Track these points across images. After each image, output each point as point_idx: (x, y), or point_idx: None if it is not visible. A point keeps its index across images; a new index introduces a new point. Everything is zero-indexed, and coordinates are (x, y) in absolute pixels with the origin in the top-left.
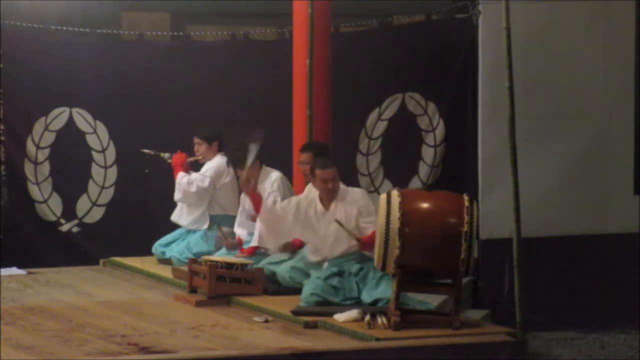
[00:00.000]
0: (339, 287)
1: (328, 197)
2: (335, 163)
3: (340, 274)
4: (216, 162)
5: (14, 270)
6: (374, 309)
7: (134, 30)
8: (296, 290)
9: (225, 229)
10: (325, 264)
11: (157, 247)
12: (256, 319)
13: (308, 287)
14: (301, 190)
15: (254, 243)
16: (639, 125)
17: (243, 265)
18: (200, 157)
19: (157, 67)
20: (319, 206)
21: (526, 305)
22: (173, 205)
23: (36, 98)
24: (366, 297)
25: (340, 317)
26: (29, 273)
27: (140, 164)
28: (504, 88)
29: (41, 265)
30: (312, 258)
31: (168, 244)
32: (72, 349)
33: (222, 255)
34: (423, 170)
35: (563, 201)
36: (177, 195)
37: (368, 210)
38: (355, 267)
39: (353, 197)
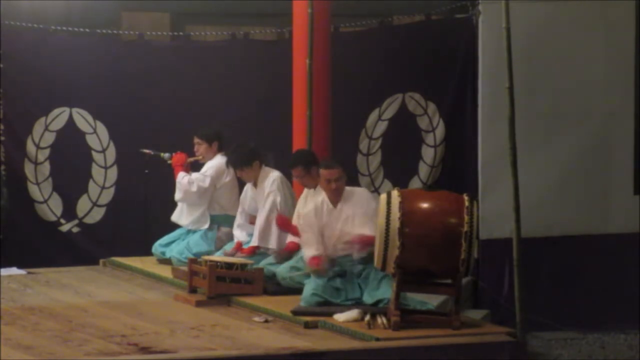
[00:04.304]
0: (341, 287)
1: (332, 197)
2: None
3: (342, 274)
4: (216, 162)
5: (14, 270)
6: (374, 309)
7: (134, 30)
8: (296, 290)
9: (223, 229)
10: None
11: (157, 247)
12: (256, 319)
13: (309, 287)
14: (301, 190)
15: (254, 243)
16: (639, 125)
17: (243, 265)
18: (200, 157)
19: (157, 67)
20: (328, 206)
21: (526, 305)
22: (173, 205)
23: (36, 98)
24: (367, 298)
25: (340, 317)
26: (29, 273)
27: (140, 164)
28: (504, 88)
29: (41, 265)
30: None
31: (168, 244)
32: (72, 349)
33: (222, 255)
34: (423, 170)
35: (563, 201)
36: (177, 195)
37: (368, 214)
38: (357, 268)
39: (359, 198)
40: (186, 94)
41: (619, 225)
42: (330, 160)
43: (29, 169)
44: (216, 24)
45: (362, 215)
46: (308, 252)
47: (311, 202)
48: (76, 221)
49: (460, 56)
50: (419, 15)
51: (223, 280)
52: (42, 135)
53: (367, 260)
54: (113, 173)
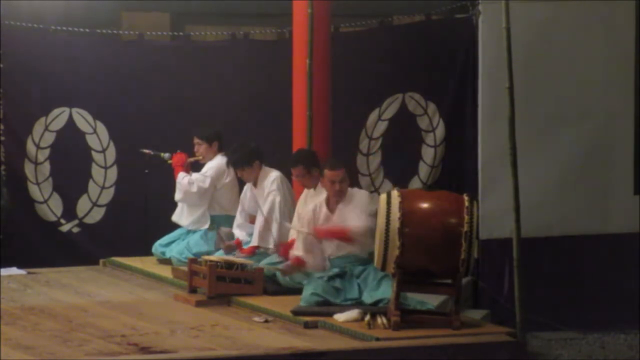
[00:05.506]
0: (340, 288)
1: (336, 198)
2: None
3: (341, 274)
4: (217, 163)
5: (14, 270)
6: (374, 309)
7: (134, 30)
8: (296, 290)
9: (224, 229)
10: (327, 265)
11: (157, 247)
12: (256, 319)
13: (309, 287)
14: (301, 190)
15: (254, 243)
16: (639, 126)
17: (243, 265)
18: (200, 157)
19: (157, 67)
20: (325, 209)
21: (526, 305)
22: (173, 205)
23: (36, 98)
24: (367, 298)
25: (340, 317)
26: (29, 273)
27: (140, 164)
28: (504, 88)
29: (41, 265)
30: (316, 274)
31: (168, 244)
32: (72, 349)
33: (222, 255)
34: (423, 170)
35: (563, 201)
36: (177, 196)
37: (365, 212)
38: (357, 269)
39: (359, 200)
40: (186, 94)
41: (619, 225)
42: (335, 161)
43: (29, 169)
44: (216, 24)
45: (359, 213)
46: (295, 250)
47: (311, 202)
48: (76, 221)
49: (460, 56)
50: (419, 15)
51: (223, 280)
52: (42, 135)
53: (367, 261)
54: (113, 173)
